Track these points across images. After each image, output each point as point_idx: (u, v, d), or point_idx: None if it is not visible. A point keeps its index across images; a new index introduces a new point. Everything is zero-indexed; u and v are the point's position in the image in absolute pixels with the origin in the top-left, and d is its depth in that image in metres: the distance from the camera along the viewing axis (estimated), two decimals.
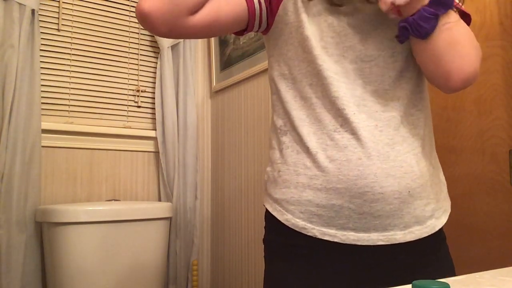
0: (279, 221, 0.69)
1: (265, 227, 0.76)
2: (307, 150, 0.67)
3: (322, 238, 0.65)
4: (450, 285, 0.42)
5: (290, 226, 0.68)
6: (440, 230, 0.68)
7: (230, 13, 0.71)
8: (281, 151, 0.72)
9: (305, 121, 0.68)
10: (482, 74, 1.05)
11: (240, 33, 0.77)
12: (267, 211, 0.74)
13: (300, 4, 0.70)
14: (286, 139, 0.70)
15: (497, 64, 1.02)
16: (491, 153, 1.03)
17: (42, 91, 1.59)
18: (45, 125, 1.58)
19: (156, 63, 1.88)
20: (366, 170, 0.62)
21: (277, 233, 0.71)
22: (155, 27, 0.65)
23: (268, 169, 0.75)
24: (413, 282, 0.36)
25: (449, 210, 0.71)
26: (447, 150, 1.12)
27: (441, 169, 0.74)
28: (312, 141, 0.66)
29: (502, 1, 1.02)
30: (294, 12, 0.71)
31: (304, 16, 0.69)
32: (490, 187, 1.03)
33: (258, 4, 0.72)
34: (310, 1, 0.69)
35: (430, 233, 0.65)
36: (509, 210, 0.99)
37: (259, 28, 0.75)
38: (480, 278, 0.46)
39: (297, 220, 0.67)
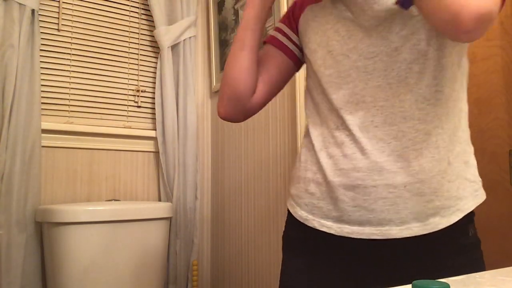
0: (293, 215, 0.76)
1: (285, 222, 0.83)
2: (313, 148, 0.74)
3: (320, 229, 0.69)
4: (450, 285, 0.42)
5: (297, 218, 0.74)
6: (451, 229, 0.64)
7: (279, 72, 0.82)
8: (301, 150, 0.79)
9: (316, 124, 0.75)
10: (482, 74, 1.05)
11: (297, 69, 0.86)
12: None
13: (310, 21, 0.77)
14: (305, 140, 0.78)
15: (497, 64, 1.02)
16: (491, 153, 1.03)
17: (42, 91, 1.59)
18: (45, 125, 1.58)
19: (156, 63, 1.88)
20: (359, 164, 0.65)
21: (290, 227, 0.78)
22: (235, 121, 0.82)
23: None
24: (413, 282, 0.36)
25: (469, 210, 0.65)
26: None
27: (471, 166, 0.68)
28: (318, 140, 0.73)
29: None
30: (305, 32, 0.79)
31: (310, 32, 0.77)
32: (490, 187, 1.03)
33: (293, 46, 0.82)
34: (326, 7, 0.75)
35: (431, 231, 0.63)
36: (509, 210, 0.99)
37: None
38: (480, 278, 0.46)
39: (302, 212, 0.73)
